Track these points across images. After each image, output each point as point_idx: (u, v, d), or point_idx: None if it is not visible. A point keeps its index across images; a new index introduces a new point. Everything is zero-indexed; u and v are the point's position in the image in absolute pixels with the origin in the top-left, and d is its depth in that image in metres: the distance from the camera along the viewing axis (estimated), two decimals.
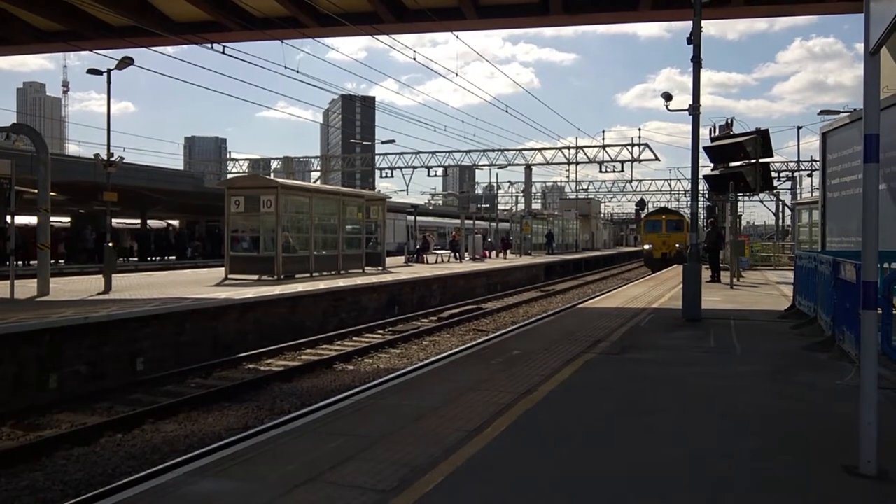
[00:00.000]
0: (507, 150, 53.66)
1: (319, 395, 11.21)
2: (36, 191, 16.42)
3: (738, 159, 19.71)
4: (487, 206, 70.47)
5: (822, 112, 37.15)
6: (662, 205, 72.08)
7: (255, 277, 20.84)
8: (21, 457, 8.15)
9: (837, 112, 33.44)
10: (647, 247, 45.62)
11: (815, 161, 42.42)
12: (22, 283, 16.75)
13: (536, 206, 70.78)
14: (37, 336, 11.13)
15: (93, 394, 11.12)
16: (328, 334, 16.60)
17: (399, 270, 27.31)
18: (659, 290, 19.74)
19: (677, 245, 42.62)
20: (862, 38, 4.53)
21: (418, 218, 45.02)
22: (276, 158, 62.05)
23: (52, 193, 17.36)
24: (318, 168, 59.35)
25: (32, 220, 19.16)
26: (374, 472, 4.67)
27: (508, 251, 46.83)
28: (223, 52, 18.53)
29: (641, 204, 67.81)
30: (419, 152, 53.66)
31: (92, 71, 20.08)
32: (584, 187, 75.65)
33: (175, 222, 46.79)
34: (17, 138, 25.14)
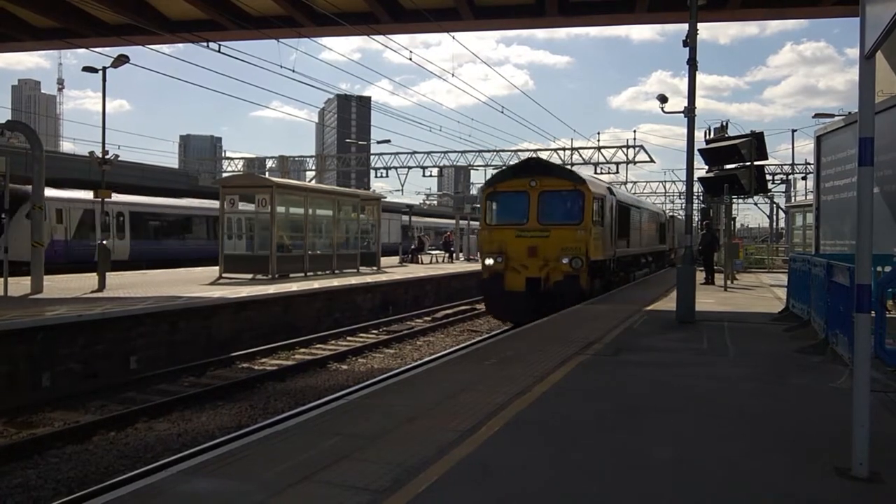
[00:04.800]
0: (503, 150, 53.50)
1: (313, 395, 11.21)
2: (30, 187, 16.36)
3: (733, 162, 19.78)
4: None
5: (816, 115, 37.23)
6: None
7: (250, 276, 20.82)
8: (14, 455, 8.13)
9: (832, 115, 33.51)
10: (487, 262, 17.69)
11: (809, 164, 42.57)
12: (15, 280, 16.70)
13: None
14: (30, 334, 11.10)
15: (86, 392, 11.09)
16: (322, 334, 16.59)
17: (394, 270, 27.30)
18: (653, 292, 19.76)
19: (566, 261, 16.68)
20: (853, 42, 4.55)
21: (413, 218, 44.95)
22: (272, 158, 61.84)
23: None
24: (314, 168, 59.26)
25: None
26: (368, 471, 4.67)
27: None
28: (219, 51, 18.49)
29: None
30: (414, 152, 53.53)
31: (87, 69, 19.99)
32: None
33: None
34: (11, 135, 25.02)
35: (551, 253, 16.62)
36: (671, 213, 47.38)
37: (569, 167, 17.43)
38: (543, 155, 51.86)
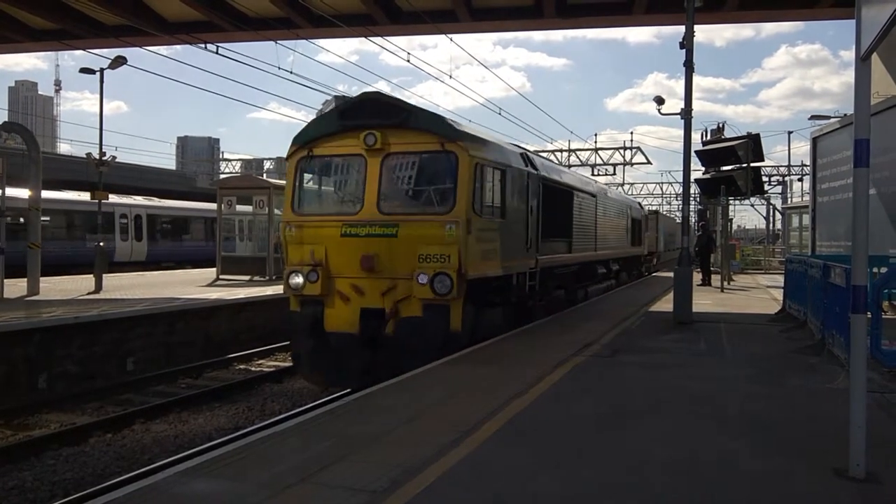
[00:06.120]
0: None
1: (310, 396, 11.20)
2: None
3: (730, 163, 19.84)
4: None
5: (812, 117, 37.38)
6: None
7: (247, 278, 20.81)
8: (10, 457, 8.11)
9: (828, 117, 33.58)
10: (294, 281, 10.24)
11: (806, 165, 42.58)
12: (12, 282, 16.67)
13: None
14: (26, 335, 11.08)
15: (83, 394, 11.08)
16: None
17: None
18: (650, 292, 19.79)
19: (424, 280, 9.53)
20: (848, 44, 4.59)
21: None
22: (270, 159, 61.87)
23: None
24: None
25: None
26: (366, 472, 4.67)
27: None
28: (217, 53, 18.48)
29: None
30: None
31: (85, 70, 19.97)
32: None
33: None
34: (8, 137, 24.99)
35: (401, 265, 9.72)
36: (653, 208, 45.91)
37: (436, 113, 10.94)
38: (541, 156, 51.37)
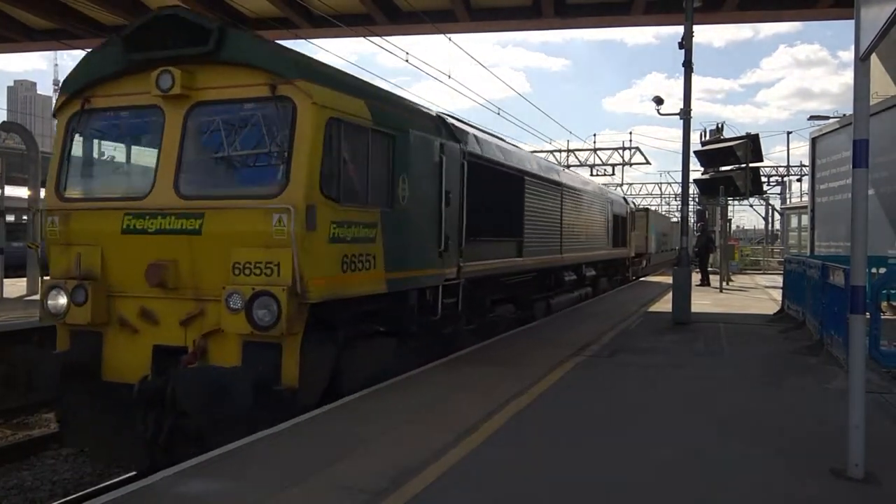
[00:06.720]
0: None
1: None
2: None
3: (729, 163, 19.87)
4: None
5: (811, 117, 37.46)
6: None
7: None
8: (9, 456, 8.11)
9: (827, 118, 33.64)
10: (54, 302, 6.75)
11: (805, 166, 42.61)
12: (11, 281, 16.66)
13: None
14: (26, 335, 11.06)
15: None
16: None
17: None
18: (648, 293, 19.80)
19: (237, 304, 6.06)
20: (847, 44, 4.60)
21: None
22: None
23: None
24: None
25: None
26: (366, 472, 4.67)
27: None
28: None
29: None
30: None
31: None
32: None
33: None
34: (7, 136, 24.97)
35: (209, 278, 6.44)
36: (651, 207, 45.34)
37: (266, 39, 7.65)
38: (539, 156, 49.51)
